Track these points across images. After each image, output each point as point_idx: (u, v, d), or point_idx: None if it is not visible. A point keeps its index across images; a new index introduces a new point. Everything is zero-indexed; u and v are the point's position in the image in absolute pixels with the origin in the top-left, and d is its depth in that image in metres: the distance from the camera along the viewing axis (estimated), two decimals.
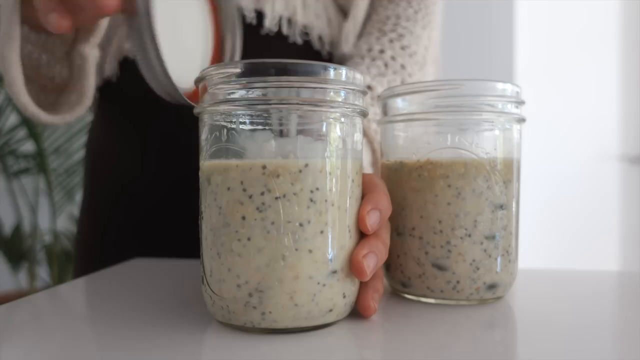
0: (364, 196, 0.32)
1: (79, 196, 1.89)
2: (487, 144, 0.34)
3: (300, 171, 0.27)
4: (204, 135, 0.30)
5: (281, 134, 0.28)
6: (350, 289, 0.30)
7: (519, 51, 1.76)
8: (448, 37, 1.73)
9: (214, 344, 0.28)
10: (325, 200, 0.28)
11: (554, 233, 1.83)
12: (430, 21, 0.58)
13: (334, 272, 0.29)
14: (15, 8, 0.37)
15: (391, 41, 0.56)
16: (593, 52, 1.94)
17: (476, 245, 0.34)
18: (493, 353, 0.27)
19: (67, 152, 1.82)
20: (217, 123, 0.29)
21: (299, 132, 0.28)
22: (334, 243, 0.29)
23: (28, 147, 1.79)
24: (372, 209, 0.31)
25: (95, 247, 0.60)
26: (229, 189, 0.28)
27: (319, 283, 0.28)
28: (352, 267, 0.30)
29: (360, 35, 0.59)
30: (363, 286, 0.31)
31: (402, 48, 0.56)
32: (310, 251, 0.28)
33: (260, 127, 0.28)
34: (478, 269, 0.34)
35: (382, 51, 0.56)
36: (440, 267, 0.34)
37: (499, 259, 0.35)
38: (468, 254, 0.34)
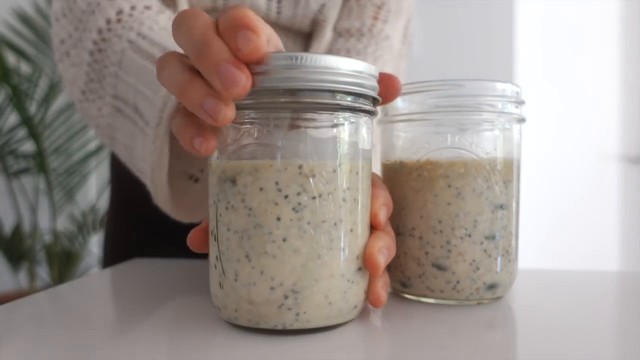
0: None
1: (79, 196, 1.89)
2: (487, 144, 0.34)
3: (334, 171, 0.28)
4: (225, 133, 0.29)
5: (312, 134, 0.28)
6: (367, 284, 0.31)
7: (519, 51, 1.76)
8: (448, 37, 1.73)
9: (221, 345, 0.28)
10: (354, 199, 0.29)
11: (554, 233, 1.83)
12: (381, 55, 0.57)
13: (359, 268, 0.30)
14: (166, 140, 0.40)
15: None
16: (593, 52, 1.94)
17: (476, 245, 0.34)
18: (493, 353, 0.27)
19: (67, 152, 1.82)
20: (245, 121, 0.28)
21: (330, 133, 0.28)
22: (361, 240, 0.30)
23: (28, 147, 1.79)
24: (382, 204, 0.32)
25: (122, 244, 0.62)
26: (261, 189, 0.27)
27: (349, 280, 0.29)
28: (367, 262, 0.30)
29: None
30: (374, 277, 0.31)
31: None
32: (342, 249, 0.28)
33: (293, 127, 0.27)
34: (478, 269, 0.34)
35: None
36: (440, 267, 0.34)
37: (499, 259, 0.35)
38: (468, 254, 0.34)
